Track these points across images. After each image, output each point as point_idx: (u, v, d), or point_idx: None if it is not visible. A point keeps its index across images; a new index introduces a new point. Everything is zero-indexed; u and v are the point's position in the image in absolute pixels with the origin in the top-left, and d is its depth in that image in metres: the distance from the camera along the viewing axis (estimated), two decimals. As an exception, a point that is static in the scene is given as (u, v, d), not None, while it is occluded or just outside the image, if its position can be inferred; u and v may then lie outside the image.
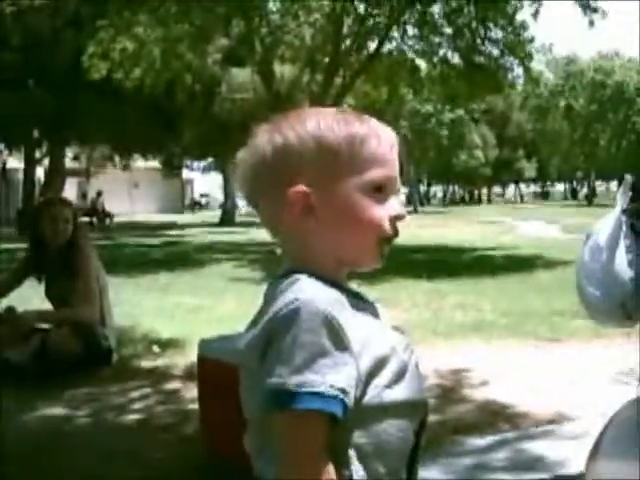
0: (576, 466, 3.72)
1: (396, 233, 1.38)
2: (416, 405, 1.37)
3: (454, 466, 3.89)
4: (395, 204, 1.38)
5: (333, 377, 1.22)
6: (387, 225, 1.36)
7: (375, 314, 1.42)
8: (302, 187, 1.33)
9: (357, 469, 1.28)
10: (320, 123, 1.36)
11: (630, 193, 3.65)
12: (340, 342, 1.24)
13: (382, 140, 1.38)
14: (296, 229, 1.36)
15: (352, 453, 1.28)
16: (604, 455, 1.68)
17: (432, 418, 4.43)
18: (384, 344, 1.33)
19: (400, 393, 1.32)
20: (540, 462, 3.96)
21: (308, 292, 1.27)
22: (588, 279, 3.51)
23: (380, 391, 1.29)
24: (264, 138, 1.39)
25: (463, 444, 4.24)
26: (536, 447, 4.17)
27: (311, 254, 1.37)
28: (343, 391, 1.23)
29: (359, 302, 1.38)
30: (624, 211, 3.61)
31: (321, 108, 1.45)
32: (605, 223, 3.60)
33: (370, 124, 1.39)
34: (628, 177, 3.71)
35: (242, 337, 1.37)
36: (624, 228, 3.55)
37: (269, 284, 1.39)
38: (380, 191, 1.36)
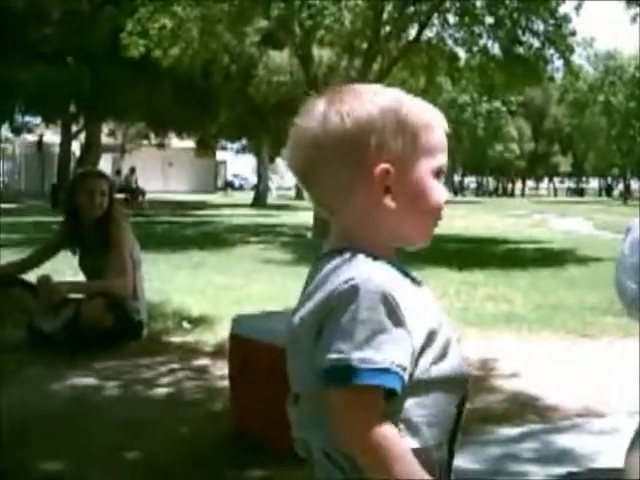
0: (604, 460, 3.70)
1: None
2: (459, 380, 1.39)
3: (482, 455, 3.87)
4: (445, 189, 1.42)
5: (393, 353, 1.24)
6: (442, 205, 1.40)
7: (422, 291, 1.42)
8: (386, 165, 1.33)
9: (407, 441, 1.29)
10: (401, 102, 1.37)
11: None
12: (397, 318, 1.26)
13: (443, 126, 1.41)
14: (371, 206, 1.34)
15: (402, 426, 1.29)
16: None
17: (461, 406, 4.43)
18: (433, 319, 1.34)
19: (446, 367, 1.34)
20: (568, 455, 3.93)
21: (366, 269, 1.28)
22: (627, 273, 3.48)
23: (429, 365, 1.31)
24: (332, 109, 1.34)
25: (492, 433, 4.23)
26: (564, 440, 4.15)
27: (373, 232, 1.36)
28: (402, 367, 1.25)
29: (408, 279, 1.39)
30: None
31: (376, 85, 1.44)
32: (646, 217, 3.57)
33: (435, 110, 1.42)
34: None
35: (290, 313, 1.37)
36: (665, 223, 3.52)
37: (317, 259, 1.39)
38: (439, 176, 1.39)
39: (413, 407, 1.30)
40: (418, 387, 1.30)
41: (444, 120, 1.42)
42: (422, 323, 1.31)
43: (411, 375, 1.28)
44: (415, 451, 1.28)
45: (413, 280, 1.41)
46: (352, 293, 1.25)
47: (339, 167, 1.33)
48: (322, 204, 1.40)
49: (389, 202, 1.34)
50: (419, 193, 1.36)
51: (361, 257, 1.31)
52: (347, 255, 1.31)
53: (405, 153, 1.34)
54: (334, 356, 1.23)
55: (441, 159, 1.39)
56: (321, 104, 1.36)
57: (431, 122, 1.38)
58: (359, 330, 1.23)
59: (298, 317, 1.33)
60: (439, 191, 1.38)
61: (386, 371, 1.23)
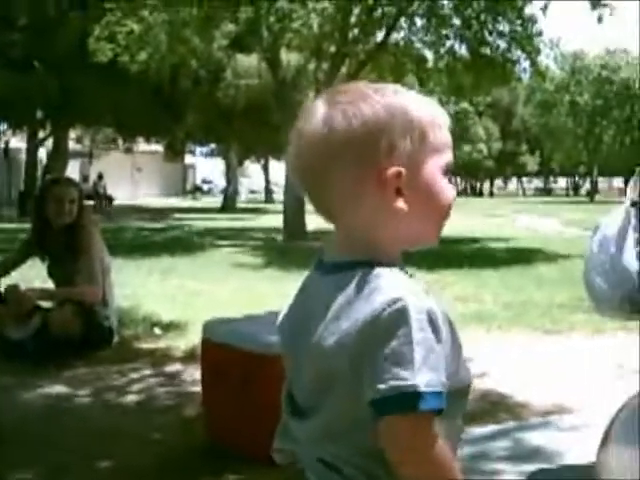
0: (575, 456, 3.73)
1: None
2: (468, 388, 1.38)
3: (454, 454, 3.89)
4: (453, 187, 1.38)
5: (443, 373, 1.22)
6: (450, 205, 1.37)
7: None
8: (397, 167, 1.28)
9: None
10: (407, 100, 1.34)
11: (640, 186, 3.66)
12: (439, 334, 1.23)
13: (447, 122, 1.38)
14: (383, 210, 1.30)
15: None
16: (615, 444, 1.68)
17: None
18: (449, 326, 1.31)
19: (464, 376, 1.33)
20: (539, 452, 3.96)
21: (404, 288, 1.24)
22: (596, 271, 3.52)
23: (454, 376, 1.28)
24: (337, 111, 1.30)
25: (464, 433, 4.24)
26: (535, 437, 4.17)
27: (387, 237, 1.33)
28: (444, 385, 1.22)
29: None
30: (634, 204, 3.61)
31: (381, 85, 1.38)
32: (614, 215, 3.61)
33: (438, 105, 1.39)
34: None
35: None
36: (633, 221, 3.55)
37: (324, 271, 1.36)
38: (447, 173, 1.36)
39: (441, 420, 1.26)
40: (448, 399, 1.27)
41: (447, 115, 1.39)
42: (447, 332, 1.28)
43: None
44: None
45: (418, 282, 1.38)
46: (402, 315, 1.20)
47: (348, 171, 1.29)
48: (328, 210, 1.35)
49: (401, 205, 1.29)
50: (430, 193, 1.32)
51: (388, 273, 1.27)
52: (375, 271, 1.27)
53: (415, 153, 1.31)
54: (395, 383, 1.19)
55: (448, 155, 1.36)
56: (324, 106, 1.32)
57: (437, 118, 1.35)
58: (416, 353, 1.19)
59: (327, 336, 1.28)
60: (449, 189, 1.35)
61: (443, 393, 1.21)
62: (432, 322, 1.22)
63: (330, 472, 1.31)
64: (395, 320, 1.20)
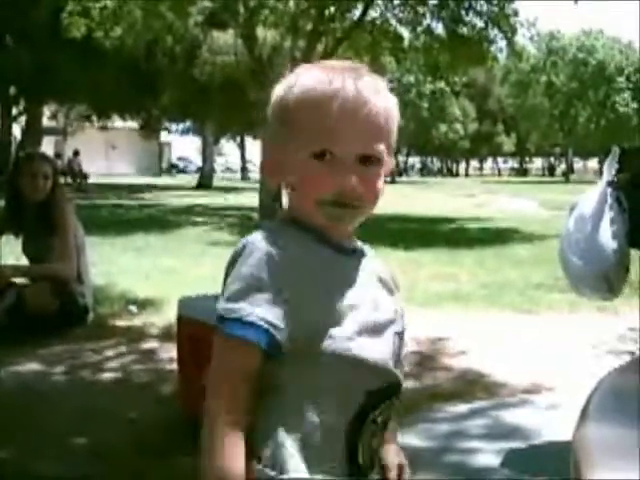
0: (551, 435, 3.75)
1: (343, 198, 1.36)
2: (373, 367, 1.36)
3: (431, 432, 3.90)
4: (345, 171, 1.35)
5: (262, 310, 1.27)
6: (328, 188, 1.35)
7: (355, 267, 1.43)
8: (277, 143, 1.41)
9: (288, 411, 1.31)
10: (305, 79, 1.38)
11: (616, 165, 3.66)
12: (279, 280, 1.29)
13: (338, 104, 1.34)
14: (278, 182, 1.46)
15: (292, 389, 1.31)
16: (592, 421, 1.67)
17: (409, 384, 4.45)
18: (347, 298, 1.35)
19: (356, 347, 1.32)
20: (516, 431, 3.98)
21: (263, 233, 1.34)
22: (572, 249, 3.53)
23: (333, 342, 1.30)
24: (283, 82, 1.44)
25: (440, 411, 4.25)
26: (512, 416, 4.19)
27: (293, 205, 1.44)
28: (272, 325, 1.27)
29: (339, 255, 1.40)
30: (609, 183, 3.62)
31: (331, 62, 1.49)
32: (591, 194, 3.62)
33: (341, 83, 1.35)
34: (615, 149, 3.72)
35: None
36: (609, 200, 3.57)
37: None
38: (329, 155, 1.35)
39: (306, 376, 1.31)
40: (314, 357, 1.30)
41: (361, 97, 1.35)
42: (330, 297, 1.32)
43: (312, 345, 1.29)
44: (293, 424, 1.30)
45: (348, 255, 1.43)
46: (240, 251, 1.33)
47: (270, 140, 1.47)
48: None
49: (282, 178, 1.44)
50: (298, 170, 1.39)
51: (275, 224, 1.43)
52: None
53: (285, 133, 1.40)
54: (218, 305, 1.31)
55: (325, 141, 1.36)
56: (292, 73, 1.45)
57: (318, 101, 1.35)
58: (238, 284, 1.29)
59: None
60: (320, 176, 1.36)
61: (251, 324, 1.26)
62: (271, 265, 1.29)
63: None
64: (233, 255, 1.34)
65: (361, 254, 1.47)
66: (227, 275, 1.34)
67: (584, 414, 1.72)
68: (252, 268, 1.28)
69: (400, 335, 1.46)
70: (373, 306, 1.38)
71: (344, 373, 1.31)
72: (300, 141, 1.35)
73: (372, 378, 1.35)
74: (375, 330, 1.36)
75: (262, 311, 1.26)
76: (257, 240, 1.32)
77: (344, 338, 1.31)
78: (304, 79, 1.38)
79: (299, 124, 1.36)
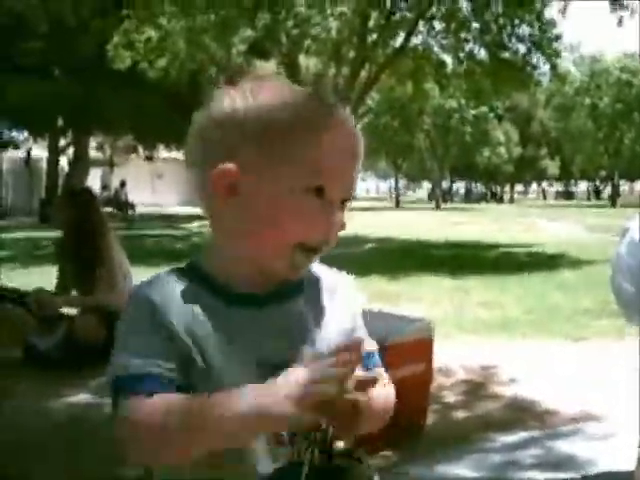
0: (604, 465, 3.69)
1: (324, 243, 1.21)
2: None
3: (484, 462, 3.85)
4: (334, 212, 1.20)
5: (149, 355, 1.16)
6: (320, 229, 1.20)
7: (252, 318, 1.23)
8: (232, 166, 1.18)
9: None
10: (275, 98, 1.20)
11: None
12: (146, 320, 1.20)
13: (338, 137, 1.20)
14: (216, 212, 1.26)
15: None
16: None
17: (461, 414, 4.42)
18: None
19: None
20: (569, 460, 3.92)
21: (146, 281, 1.27)
22: (624, 275, 3.47)
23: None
24: (216, 102, 1.25)
25: (493, 440, 4.21)
26: (564, 445, 4.13)
27: (224, 243, 1.27)
28: (164, 369, 1.16)
29: (228, 306, 1.23)
30: (662, 208, 3.57)
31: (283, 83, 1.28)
32: (643, 218, 3.56)
33: (335, 114, 1.22)
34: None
35: None
36: (662, 225, 3.51)
37: None
38: (320, 194, 1.18)
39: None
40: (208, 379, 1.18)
41: (346, 130, 1.22)
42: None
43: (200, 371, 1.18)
44: None
45: (254, 308, 1.24)
46: (127, 301, 1.25)
47: (196, 163, 1.32)
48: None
49: (229, 209, 1.24)
50: (271, 207, 1.20)
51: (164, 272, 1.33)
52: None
53: (262, 156, 1.20)
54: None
55: (320, 173, 1.19)
56: (216, 96, 1.29)
57: (312, 125, 1.19)
58: (120, 336, 1.22)
59: None
60: (302, 211, 1.19)
61: (147, 375, 1.15)
62: (140, 307, 1.21)
63: None
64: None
65: (290, 297, 1.27)
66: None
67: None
68: (126, 314, 1.23)
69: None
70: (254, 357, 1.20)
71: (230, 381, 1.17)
72: (289, 172, 1.17)
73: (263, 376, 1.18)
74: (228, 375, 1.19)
75: (149, 357, 1.16)
76: (136, 288, 1.26)
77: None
78: (278, 99, 1.20)
79: (289, 153, 1.17)
